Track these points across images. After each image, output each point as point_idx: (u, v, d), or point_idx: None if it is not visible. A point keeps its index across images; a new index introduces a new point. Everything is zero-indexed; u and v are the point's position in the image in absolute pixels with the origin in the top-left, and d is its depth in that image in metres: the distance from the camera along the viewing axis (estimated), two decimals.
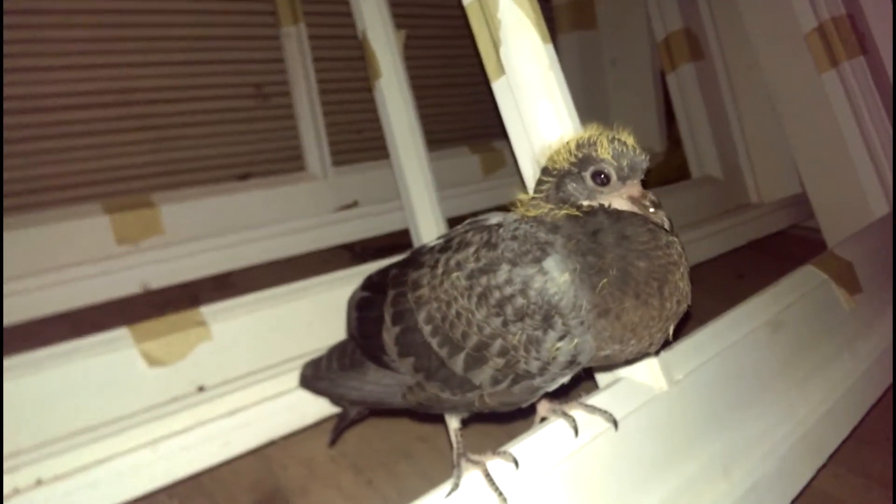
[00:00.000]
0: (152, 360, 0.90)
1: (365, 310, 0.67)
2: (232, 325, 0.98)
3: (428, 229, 1.20)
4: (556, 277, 0.53)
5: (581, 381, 0.77)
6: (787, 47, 1.48)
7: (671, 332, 0.57)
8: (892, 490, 1.03)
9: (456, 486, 0.58)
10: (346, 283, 1.09)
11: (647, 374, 0.74)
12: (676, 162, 1.99)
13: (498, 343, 0.55)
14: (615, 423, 0.67)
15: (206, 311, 0.98)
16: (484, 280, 0.55)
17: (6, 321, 1.13)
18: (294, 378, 0.89)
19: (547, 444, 0.64)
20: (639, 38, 2.12)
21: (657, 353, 0.65)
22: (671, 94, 1.93)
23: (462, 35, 2.12)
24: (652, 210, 0.54)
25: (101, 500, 0.75)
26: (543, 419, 0.70)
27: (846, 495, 1.02)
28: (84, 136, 1.48)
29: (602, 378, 0.78)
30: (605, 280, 0.53)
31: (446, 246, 0.61)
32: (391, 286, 0.64)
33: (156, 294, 1.39)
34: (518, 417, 0.80)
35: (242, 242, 1.43)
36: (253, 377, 0.96)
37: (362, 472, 1.01)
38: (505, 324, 0.54)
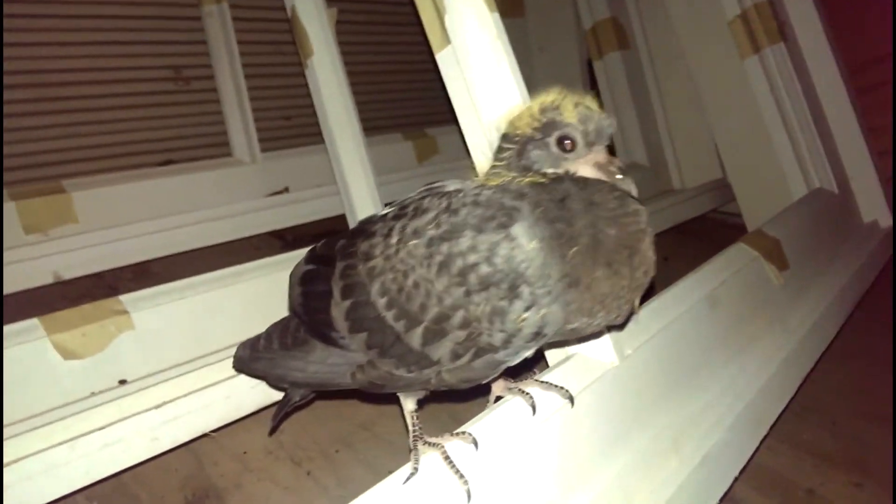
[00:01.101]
0: (67, 353, 0.83)
1: (310, 284, 0.63)
2: (156, 313, 0.92)
3: (366, 213, 1.16)
4: (523, 244, 0.50)
5: (536, 361, 0.76)
6: (711, 34, 1.52)
7: (637, 303, 0.56)
8: (821, 458, 1.08)
9: (415, 470, 0.55)
10: (279, 269, 1.04)
11: (599, 349, 0.73)
12: None
13: (459, 314, 0.52)
14: (571, 400, 0.65)
15: (127, 299, 0.91)
16: (445, 247, 0.52)
17: None
18: (227, 367, 0.83)
19: (505, 422, 0.62)
20: (566, 26, 2.13)
21: (622, 325, 0.64)
22: (598, 82, 1.95)
23: (392, 21, 2.11)
24: (619, 177, 0.53)
25: None
26: (498, 398, 0.68)
27: (779, 464, 1.06)
28: None
29: (552, 355, 0.77)
30: (575, 248, 0.51)
31: (400, 213, 0.58)
32: (339, 258, 0.60)
33: (70, 285, 1.28)
34: (471, 396, 0.78)
35: (164, 229, 1.35)
36: (180, 369, 0.89)
37: (300, 464, 0.96)
38: (468, 294, 0.51)
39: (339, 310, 0.58)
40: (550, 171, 0.54)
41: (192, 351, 0.93)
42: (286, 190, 1.58)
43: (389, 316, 0.55)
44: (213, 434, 0.83)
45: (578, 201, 0.52)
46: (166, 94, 1.66)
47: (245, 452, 0.97)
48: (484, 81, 0.73)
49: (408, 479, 0.54)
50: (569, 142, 0.54)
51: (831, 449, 1.12)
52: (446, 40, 0.76)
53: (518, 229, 0.51)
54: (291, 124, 1.89)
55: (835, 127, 1.51)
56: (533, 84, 2.21)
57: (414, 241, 0.54)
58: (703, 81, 1.61)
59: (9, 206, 1.19)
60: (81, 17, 1.46)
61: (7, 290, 1.13)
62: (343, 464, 0.97)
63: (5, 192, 1.21)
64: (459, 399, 0.78)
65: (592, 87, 2.08)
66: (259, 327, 0.81)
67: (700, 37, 1.57)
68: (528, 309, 0.51)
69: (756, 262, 1.06)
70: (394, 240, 0.55)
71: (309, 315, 0.62)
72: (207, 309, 0.96)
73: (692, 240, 1.92)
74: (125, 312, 0.88)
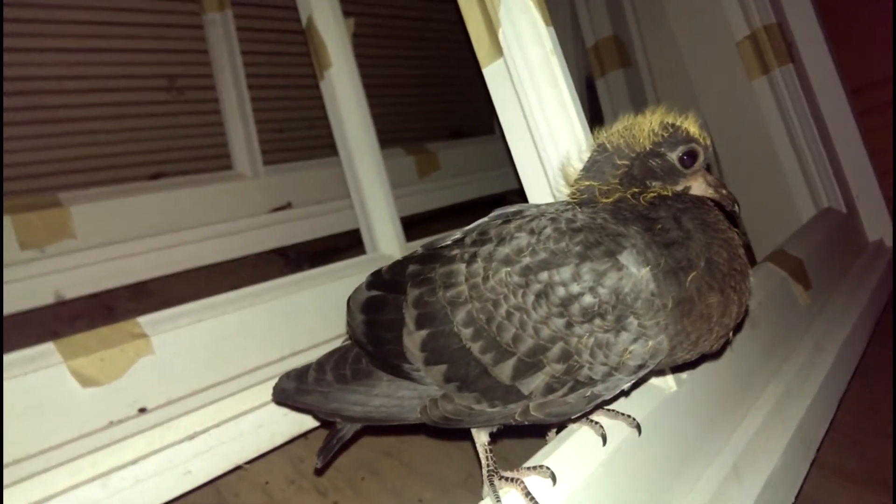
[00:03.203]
0: (85, 380, 0.77)
1: (376, 312, 0.58)
2: (176, 336, 0.86)
3: (383, 228, 1.12)
4: (633, 273, 0.47)
5: None
6: (718, 54, 1.53)
7: (733, 333, 0.53)
8: (847, 479, 1.07)
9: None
10: (299, 289, 1.00)
11: (657, 376, 0.71)
12: None
13: (558, 347, 0.49)
14: (639, 428, 0.63)
15: (146, 321, 0.86)
16: (544, 276, 0.49)
17: None
18: (257, 395, 0.79)
19: (578, 454, 0.59)
20: (564, 43, 2.12)
21: (718, 355, 0.61)
22: (601, 99, 1.95)
23: (399, 36, 2.08)
24: (729, 199, 0.51)
25: None
26: (561, 428, 0.65)
27: (808, 487, 1.05)
28: None
29: None
30: (693, 273, 0.48)
31: (481, 238, 0.54)
32: (412, 284, 0.56)
33: (65, 306, 1.22)
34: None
35: (166, 246, 1.29)
36: (201, 396, 0.84)
37: (326, 494, 0.92)
38: (569, 325, 0.48)
39: (413, 340, 0.54)
40: (667, 187, 0.52)
41: (213, 376, 0.88)
42: (289, 205, 1.53)
43: (476, 347, 0.51)
44: (246, 466, 0.78)
45: (693, 220, 0.50)
46: (160, 104, 1.61)
47: (267, 483, 0.92)
48: (539, 95, 0.70)
49: None
50: (690, 158, 0.52)
51: (856, 469, 1.11)
52: (498, 53, 0.73)
53: (627, 256, 0.48)
54: (284, 137, 1.84)
55: (840, 147, 1.52)
56: None
57: (506, 269, 0.50)
58: (708, 101, 1.61)
59: (5, 221, 1.13)
60: (71, 22, 1.40)
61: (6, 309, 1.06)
62: (370, 493, 0.93)
63: None
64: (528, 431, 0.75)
65: (590, 105, 2.08)
66: (283, 348, 0.77)
67: (706, 56, 1.58)
68: (635, 341, 0.48)
69: (784, 282, 1.05)
70: (478, 266, 0.52)
71: (375, 345, 0.58)
72: (228, 331, 0.91)
73: None
74: (144, 336, 0.83)
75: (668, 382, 0.70)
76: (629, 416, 0.63)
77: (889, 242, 1.52)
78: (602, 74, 1.91)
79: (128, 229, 1.28)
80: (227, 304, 0.92)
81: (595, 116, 2.07)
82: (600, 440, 0.60)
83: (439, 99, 2.11)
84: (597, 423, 0.61)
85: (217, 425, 0.73)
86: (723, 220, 0.52)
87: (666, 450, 0.67)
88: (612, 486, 0.59)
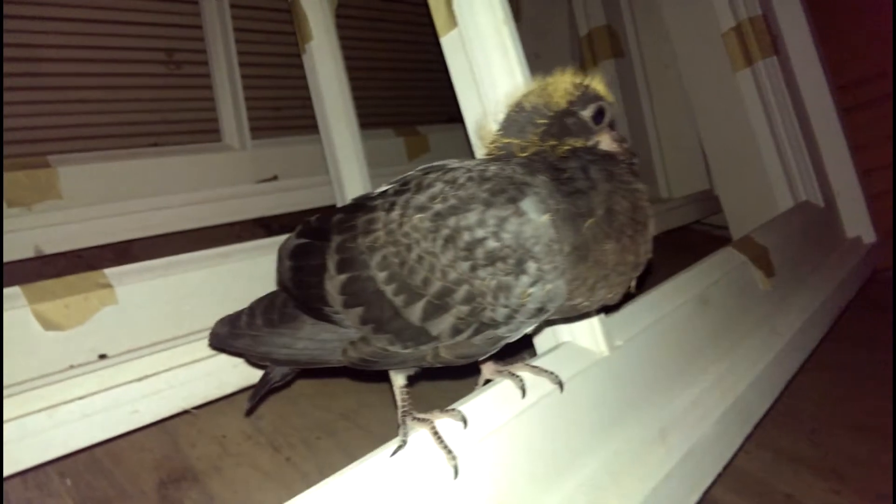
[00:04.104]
0: (48, 324, 0.81)
1: (302, 258, 0.61)
2: (140, 289, 0.90)
3: None
4: (533, 219, 0.50)
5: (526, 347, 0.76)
6: (705, 45, 1.54)
7: (634, 284, 0.55)
8: (800, 464, 1.09)
9: (403, 443, 0.54)
10: (265, 252, 1.03)
11: (589, 338, 0.73)
12: None
13: (464, 289, 0.51)
14: (561, 385, 0.65)
15: (112, 273, 0.89)
16: (452, 221, 0.51)
17: None
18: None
19: (495, 403, 0.61)
20: (561, 33, 2.15)
21: (617, 307, 0.64)
22: None
23: (392, 19, 2.10)
24: (630, 152, 0.54)
25: None
26: (487, 381, 0.67)
27: (756, 468, 1.07)
28: None
29: (542, 342, 0.77)
30: (591, 220, 0.51)
31: (402, 189, 0.57)
32: (336, 231, 0.58)
33: (48, 263, 1.26)
34: (462, 376, 0.77)
35: (148, 209, 1.33)
36: (160, 346, 0.87)
37: (280, 450, 0.95)
38: (473, 268, 0.50)
39: (333, 284, 0.57)
40: (580, 142, 0.55)
41: (172, 329, 0.91)
42: (275, 178, 1.57)
43: (389, 290, 0.54)
44: (194, 411, 0.81)
45: (600, 171, 0.53)
46: (157, 76, 1.64)
47: (224, 436, 0.95)
48: (489, 64, 0.73)
49: (395, 451, 0.53)
50: (600, 115, 0.55)
51: (810, 456, 1.12)
52: (453, 23, 0.75)
53: (528, 203, 0.50)
54: (279, 115, 1.88)
55: (822, 142, 1.53)
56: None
57: (419, 216, 0.53)
58: (695, 91, 1.63)
59: None
60: None
61: None
62: (323, 451, 0.96)
63: None
64: (454, 375, 0.77)
65: None
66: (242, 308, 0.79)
67: (694, 47, 1.59)
68: (533, 284, 0.50)
69: (745, 266, 1.06)
70: (396, 213, 0.55)
71: (300, 289, 0.61)
72: (191, 288, 0.94)
73: (675, 250, 1.92)
74: (109, 286, 0.87)
75: (599, 346, 0.73)
76: (552, 374, 0.65)
77: (868, 239, 1.53)
78: (594, 64, 1.92)
79: (114, 192, 1.31)
80: (191, 263, 0.95)
81: None
82: (520, 393, 0.63)
83: (437, 84, 2.14)
84: (518, 376, 0.64)
85: (167, 370, 0.77)
86: (629, 172, 0.55)
87: (590, 409, 0.69)
88: (526, 436, 0.61)
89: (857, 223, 1.53)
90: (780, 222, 1.29)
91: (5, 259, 1.13)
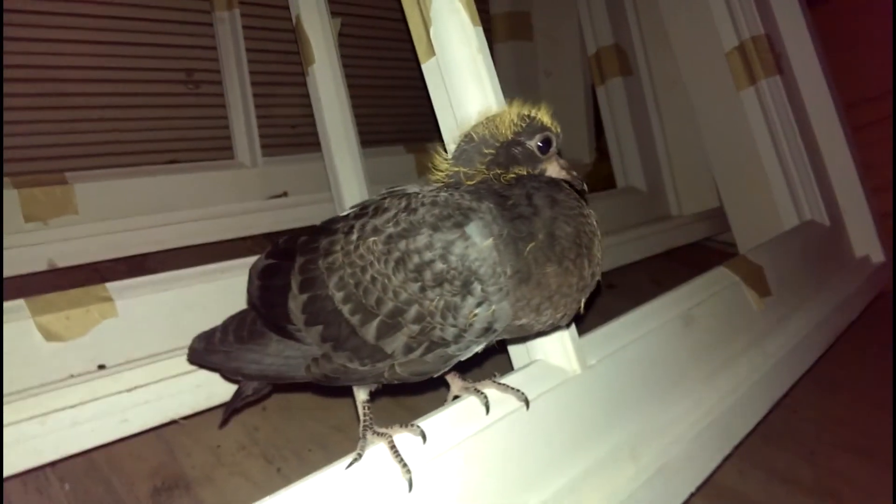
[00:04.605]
0: (50, 335, 0.85)
1: (269, 278, 0.64)
2: (140, 302, 0.93)
3: None
4: (477, 243, 0.53)
5: (491, 356, 0.77)
6: (709, 64, 1.54)
7: (583, 304, 0.57)
8: (796, 487, 1.08)
9: (359, 456, 0.56)
10: None
11: (562, 357, 0.74)
12: (604, 172, 2.04)
13: (414, 309, 0.54)
14: (527, 403, 0.67)
15: (113, 286, 0.93)
16: (402, 244, 0.54)
17: None
18: None
19: (457, 419, 0.63)
20: (572, 51, 2.17)
21: (568, 325, 0.66)
22: (600, 106, 1.98)
23: (400, 38, 2.14)
24: (578, 179, 0.57)
25: None
26: (456, 398, 0.69)
27: (749, 489, 1.06)
28: None
29: (517, 359, 0.78)
30: (532, 244, 0.53)
31: (361, 213, 0.60)
32: (300, 253, 0.62)
33: (63, 276, 1.31)
34: (428, 390, 0.79)
35: (162, 224, 1.38)
36: (158, 358, 0.91)
37: (272, 461, 0.98)
38: (423, 289, 0.53)
39: (296, 303, 0.60)
40: (526, 171, 0.58)
41: (172, 342, 0.94)
42: (285, 194, 1.61)
43: (346, 309, 0.57)
44: (181, 421, 0.84)
45: (544, 198, 0.55)
46: (175, 95, 1.71)
47: (219, 446, 0.98)
48: (463, 93, 0.75)
49: (350, 464, 0.56)
50: (546, 144, 0.58)
51: (806, 477, 1.12)
52: (431, 52, 0.78)
53: (473, 228, 0.53)
54: (296, 132, 1.93)
55: (829, 161, 1.53)
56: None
57: (373, 238, 0.56)
58: (701, 109, 1.63)
59: (11, 194, 1.23)
60: (96, 16, 1.50)
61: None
62: (314, 464, 0.97)
63: (9, 180, 1.24)
64: (416, 393, 0.79)
65: (596, 111, 2.11)
66: None
67: (698, 65, 1.59)
68: (479, 305, 0.53)
69: (736, 286, 1.07)
70: (354, 237, 0.58)
71: (266, 308, 0.64)
72: (190, 302, 0.98)
73: (683, 266, 1.92)
74: (110, 299, 0.91)
75: (572, 365, 0.74)
76: (519, 391, 0.67)
77: (876, 259, 1.51)
78: (602, 82, 1.94)
79: (129, 207, 1.36)
80: (190, 277, 0.99)
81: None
82: (483, 410, 0.65)
83: None
84: (483, 393, 0.66)
85: (157, 381, 0.80)
86: (575, 198, 0.57)
87: (558, 427, 0.70)
88: (488, 452, 0.63)
89: (865, 242, 1.51)
90: (779, 241, 1.29)
91: (21, 272, 1.19)
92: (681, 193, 1.92)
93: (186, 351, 0.90)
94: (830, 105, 1.51)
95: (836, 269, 1.42)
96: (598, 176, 2.06)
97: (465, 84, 0.75)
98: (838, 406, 1.30)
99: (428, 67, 0.80)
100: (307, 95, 1.28)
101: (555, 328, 0.60)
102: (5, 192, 1.22)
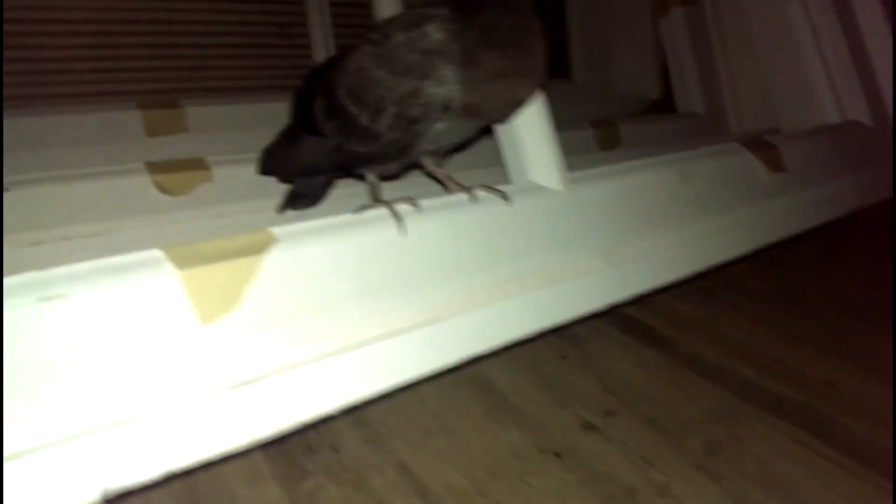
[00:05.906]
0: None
1: (303, 98, 0.87)
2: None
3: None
4: (436, 37, 0.70)
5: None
6: None
7: (536, 87, 0.73)
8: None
9: (365, 207, 0.75)
10: None
11: (546, 177, 0.89)
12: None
13: (394, 94, 0.72)
14: (506, 197, 0.82)
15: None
16: (385, 48, 0.73)
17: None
18: None
19: (447, 202, 0.80)
20: None
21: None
22: (662, 38, 2.05)
23: None
24: None
25: None
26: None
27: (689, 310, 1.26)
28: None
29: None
30: (475, 34, 0.68)
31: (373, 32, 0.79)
32: (325, 71, 0.83)
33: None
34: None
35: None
36: None
37: None
38: (396, 77, 0.71)
39: (318, 108, 0.82)
40: None
41: None
42: None
43: (349, 104, 0.76)
44: None
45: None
46: (271, 47, 2.05)
47: None
48: None
49: (358, 209, 0.75)
50: None
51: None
52: None
53: (430, 27, 0.70)
54: None
55: (877, 63, 1.55)
56: (608, 46, 2.26)
57: (370, 48, 0.75)
58: (754, 19, 1.68)
59: (136, 115, 1.53)
60: None
61: None
62: None
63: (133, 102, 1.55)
64: None
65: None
66: None
67: None
68: (437, 86, 0.70)
69: (742, 154, 1.15)
70: (359, 51, 0.77)
71: (301, 118, 0.87)
72: None
73: None
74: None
75: (554, 184, 0.89)
76: (503, 191, 0.83)
77: None
78: (664, 13, 2.01)
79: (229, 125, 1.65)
80: None
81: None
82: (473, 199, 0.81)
83: None
84: (470, 190, 0.83)
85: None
86: (527, 5, 0.71)
87: (539, 231, 0.85)
88: (468, 230, 0.78)
89: None
90: (806, 132, 1.35)
91: None
92: (741, 115, 1.96)
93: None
94: (878, 5, 1.53)
95: (873, 165, 1.44)
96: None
97: None
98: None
99: None
100: None
101: (506, 116, 0.76)
102: (131, 112, 1.52)
